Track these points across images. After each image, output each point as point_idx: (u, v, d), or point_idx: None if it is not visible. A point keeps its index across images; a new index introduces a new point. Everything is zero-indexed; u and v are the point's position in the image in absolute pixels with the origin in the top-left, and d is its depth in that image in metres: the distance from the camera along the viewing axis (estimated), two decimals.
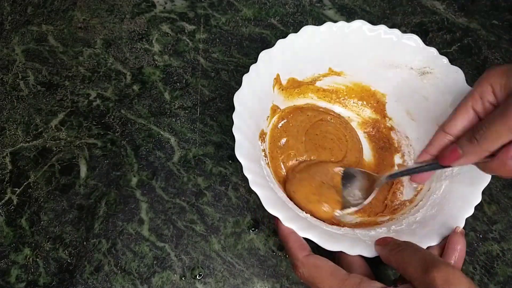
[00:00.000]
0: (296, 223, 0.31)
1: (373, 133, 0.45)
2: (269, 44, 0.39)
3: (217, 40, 0.51)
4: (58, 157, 0.44)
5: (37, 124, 0.46)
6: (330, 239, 0.31)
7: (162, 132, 0.45)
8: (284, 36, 0.39)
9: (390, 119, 0.44)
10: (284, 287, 0.38)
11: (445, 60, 0.38)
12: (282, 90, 0.42)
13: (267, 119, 0.42)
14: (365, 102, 0.45)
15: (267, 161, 0.40)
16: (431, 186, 0.38)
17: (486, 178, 0.33)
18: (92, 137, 0.45)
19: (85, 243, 0.40)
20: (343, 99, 0.46)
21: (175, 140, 0.45)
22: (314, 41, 0.40)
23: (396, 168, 0.43)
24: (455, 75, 0.37)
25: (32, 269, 0.39)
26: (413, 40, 0.39)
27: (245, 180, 0.42)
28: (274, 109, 0.42)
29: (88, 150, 0.44)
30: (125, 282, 0.38)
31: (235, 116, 0.35)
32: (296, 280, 0.39)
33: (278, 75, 0.41)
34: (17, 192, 0.42)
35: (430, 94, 0.39)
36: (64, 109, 0.47)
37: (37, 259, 0.39)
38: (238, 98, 0.36)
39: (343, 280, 0.28)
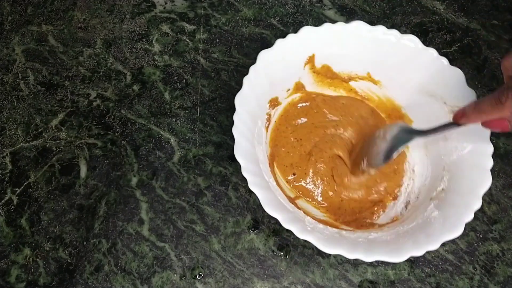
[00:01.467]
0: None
1: None
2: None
3: (217, 40, 0.51)
4: (58, 157, 0.44)
5: (37, 124, 0.46)
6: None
7: (162, 132, 0.45)
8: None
9: (407, 147, 0.42)
10: (284, 287, 0.38)
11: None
12: (314, 72, 0.42)
13: (287, 91, 0.42)
14: (389, 113, 0.44)
15: (266, 125, 0.41)
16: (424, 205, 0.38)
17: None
18: (92, 137, 0.45)
19: (85, 243, 0.40)
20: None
21: (175, 140, 0.45)
22: (352, 40, 0.40)
23: (402, 188, 0.41)
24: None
25: (32, 269, 0.39)
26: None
27: (245, 180, 0.42)
28: (299, 86, 0.42)
29: (88, 150, 0.44)
30: (125, 282, 0.38)
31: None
32: (295, 280, 0.39)
33: (314, 55, 0.40)
34: (17, 192, 0.42)
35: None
36: (64, 109, 0.47)
37: (37, 259, 0.39)
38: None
39: None
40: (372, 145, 0.38)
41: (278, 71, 0.39)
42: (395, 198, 0.41)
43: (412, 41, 0.38)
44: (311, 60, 0.41)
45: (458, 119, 0.32)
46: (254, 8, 0.53)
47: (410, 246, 0.31)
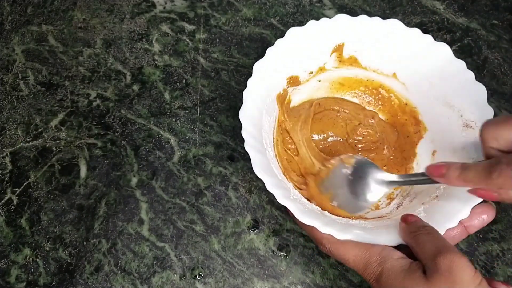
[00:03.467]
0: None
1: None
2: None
3: (217, 40, 0.51)
4: (58, 157, 0.44)
5: (37, 124, 0.46)
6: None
7: (162, 132, 0.45)
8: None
9: (415, 154, 0.42)
10: (284, 287, 0.38)
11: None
12: (340, 61, 0.41)
13: (309, 74, 0.42)
14: (405, 119, 0.42)
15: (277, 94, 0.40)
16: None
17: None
18: (92, 137, 0.45)
19: (85, 243, 0.40)
20: (387, 107, 0.44)
21: (175, 140, 0.45)
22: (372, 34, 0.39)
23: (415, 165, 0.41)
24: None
25: (32, 269, 0.39)
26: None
27: (245, 180, 0.42)
28: (322, 68, 0.42)
29: (88, 150, 0.44)
30: (125, 282, 0.38)
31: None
32: (295, 280, 0.39)
33: (343, 44, 0.40)
34: (17, 192, 0.42)
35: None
36: (64, 109, 0.47)
37: (37, 259, 0.39)
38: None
39: (367, 249, 0.30)
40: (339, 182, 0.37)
41: (304, 51, 0.39)
42: (390, 201, 0.40)
43: (444, 49, 0.37)
44: (339, 49, 0.40)
45: (436, 176, 0.30)
46: (254, 8, 0.53)
47: (385, 234, 0.31)
